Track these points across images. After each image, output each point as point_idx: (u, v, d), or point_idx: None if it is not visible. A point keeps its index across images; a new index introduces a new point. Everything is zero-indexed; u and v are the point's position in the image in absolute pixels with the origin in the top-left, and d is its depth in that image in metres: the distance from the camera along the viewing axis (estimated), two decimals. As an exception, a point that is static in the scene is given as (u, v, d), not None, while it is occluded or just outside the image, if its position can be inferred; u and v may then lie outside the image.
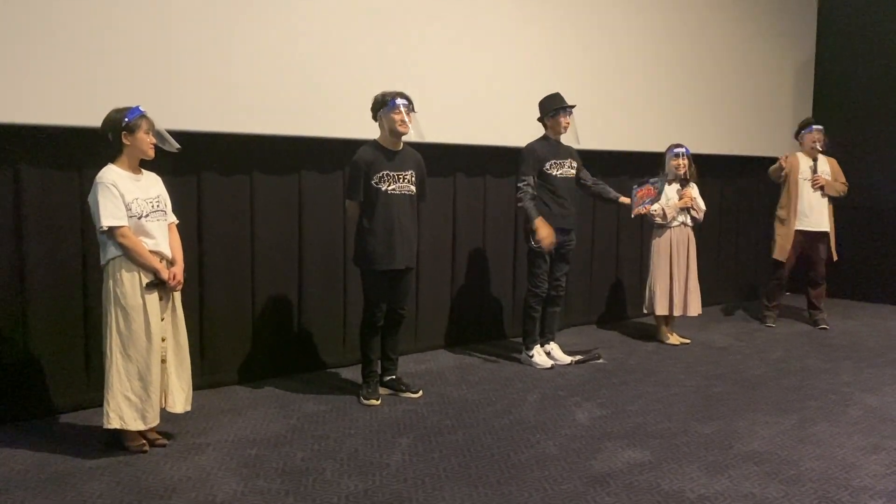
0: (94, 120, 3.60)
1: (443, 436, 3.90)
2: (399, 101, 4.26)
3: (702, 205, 5.88)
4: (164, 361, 3.63)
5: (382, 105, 4.29)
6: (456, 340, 5.83)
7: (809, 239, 6.55)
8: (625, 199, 5.46)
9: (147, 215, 3.55)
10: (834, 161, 6.68)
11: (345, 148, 4.69)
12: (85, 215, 3.89)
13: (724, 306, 7.62)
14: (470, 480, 3.35)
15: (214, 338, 4.66)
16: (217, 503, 3.11)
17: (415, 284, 5.36)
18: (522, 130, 5.32)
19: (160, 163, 3.74)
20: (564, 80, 5.71)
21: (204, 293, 4.61)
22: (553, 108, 5.09)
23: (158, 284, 3.56)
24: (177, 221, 3.81)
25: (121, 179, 3.50)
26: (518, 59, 5.75)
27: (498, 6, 5.62)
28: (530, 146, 5.15)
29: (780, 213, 6.62)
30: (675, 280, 5.86)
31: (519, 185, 5.07)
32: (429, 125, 4.46)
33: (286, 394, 4.58)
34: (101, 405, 3.55)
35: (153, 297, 3.55)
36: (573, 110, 5.14)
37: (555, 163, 5.12)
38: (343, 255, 5.13)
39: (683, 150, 5.81)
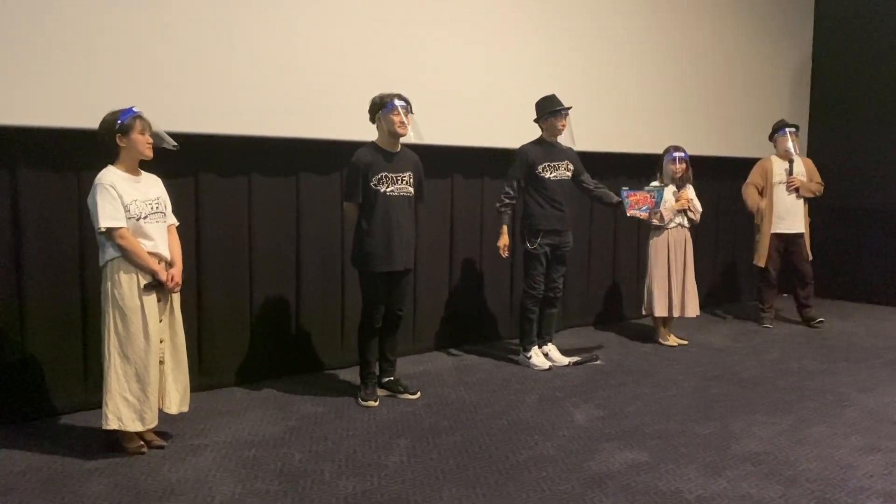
0: (92, 122, 3.60)
1: (441, 437, 3.90)
2: (397, 102, 4.26)
3: (698, 206, 5.90)
4: (161, 363, 3.63)
5: (381, 107, 4.29)
6: (454, 342, 5.83)
7: (787, 241, 6.59)
8: None
9: (146, 217, 3.55)
10: (809, 161, 6.76)
11: (343, 150, 4.69)
12: (83, 217, 3.89)
13: (722, 307, 7.63)
14: (468, 481, 3.35)
15: (212, 339, 4.66)
16: (215, 505, 3.11)
17: (413, 286, 5.37)
18: (520, 132, 5.32)
19: (158, 164, 3.74)
20: (561, 81, 5.73)
21: (202, 295, 4.61)
22: (548, 111, 5.10)
23: (156, 286, 3.56)
24: (177, 223, 3.82)
25: (119, 181, 3.50)
26: (515, 61, 5.76)
27: (495, 8, 5.63)
28: (522, 148, 5.17)
29: (756, 218, 6.69)
30: (672, 281, 5.87)
31: (504, 186, 5.14)
32: (427, 127, 4.48)
33: (284, 395, 4.58)
34: (100, 407, 3.55)
35: (151, 299, 3.55)
36: (569, 112, 5.15)
37: (548, 165, 5.12)
38: (341, 256, 5.14)
39: (682, 154, 5.82)
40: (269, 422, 4.11)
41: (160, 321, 3.60)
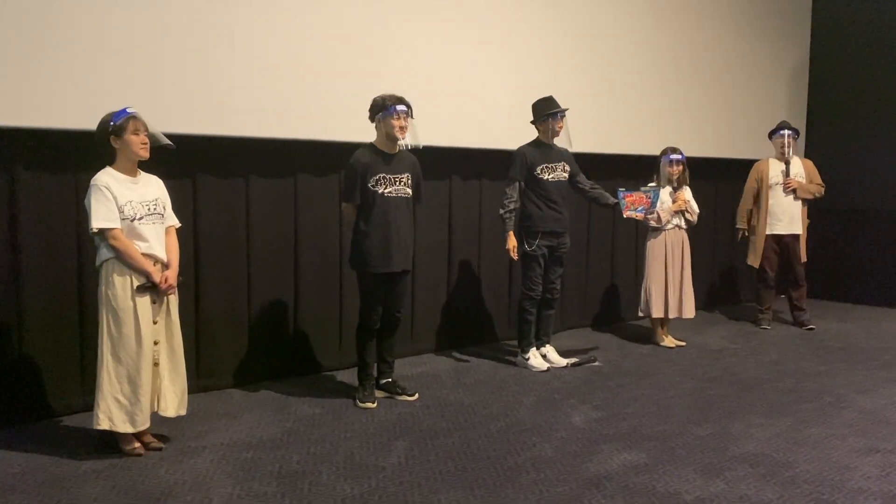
0: (90, 123, 3.60)
1: (439, 439, 3.90)
2: (399, 107, 4.25)
3: (695, 207, 5.91)
4: (156, 365, 3.62)
5: (382, 109, 4.28)
6: (452, 343, 5.83)
7: (783, 242, 6.59)
8: None
9: (141, 218, 3.54)
10: (810, 163, 6.74)
11: (341, 151, 4.69)
12: (81, 218, 3.89)
13: (720, 309, 7.64)
14: (466, 483, 3.35)
15: (210, 341, 4.65)
16: (213, 507, 3.11)
17: (411, 287, 5.37)
18: (518, 134, 5.33)
19: (156, 165, 3.73)
20: (559, 83, 5.73)
21: (199, 296, 4.60)
22: (545, 113, 5.10)
23: (150, 288, 3.55)
24: (178, 224, 3.81)
25: (115, 182, 3.50)
26: (514, 63, 5.77)
27: (493, 10, 5.64)
28: (521, 150, 5.17)
29: (752, 219, 6.72)
30: (670, 282, 5.87)
31: (506, 189, 5.13)
32: (425, 128, 4.47)
33: (282, 397, 4.58)
34: (97, 408, 3.55)
35: (144, 300, 3.54)
36: (566, 114, 5.16)
37: (546, 167, 5.13)
38: (339, 257, 5.13)
39: (679, 156, 5.83)
40: (267, 423, 4.10)
41: (154, 323, 3.59)
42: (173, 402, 3.71)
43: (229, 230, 4.70)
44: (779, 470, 3.53)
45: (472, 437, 3.93)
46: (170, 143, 3.67)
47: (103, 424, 3.50)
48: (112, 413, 3.51)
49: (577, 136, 5.30)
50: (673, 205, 5.82)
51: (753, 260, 6.69)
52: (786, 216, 6.55)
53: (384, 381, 4.62)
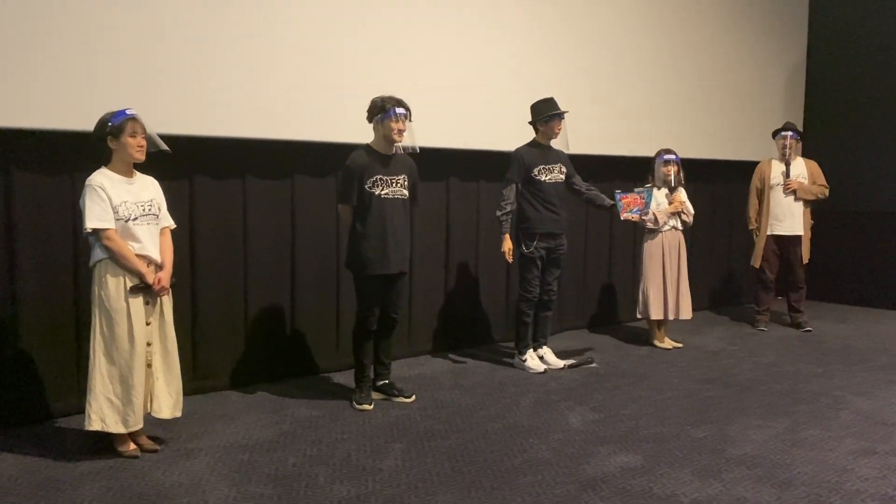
0: (86, 124, 3.59)
1: (436, 440, 3.89)
2: (398, 110, 4.24)
3: (691, 208, 5.91)
4: (150, 366, 3.61)
5: (381, 111, 4.27)
6: (449, 345, 5.82)
7: (784, 243, 6.60)
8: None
9: (135, 219, 3.53)
10: (813, 163, 6.70)
11: (337, 152, 4.68)
12: (77, 220, 3.88)
13: (718, 310, 7.64)
14: (463, 485, 3.34)
15: (206, 342, 4.64)
16: (209, 509, 3.10)
17: (408, 289, 5.36)
18: (516, 135, 5.33)
19: (152, 166, 3.72)
20: (557, 84, 5.72)
21: (196, 297, 4.59)
22: (548, 114, 5.10)
23: (143, 288, 3.54)
24: (173, 226, 3.80)
25: (110, 182, 3.49)
26: (511, 64, 5.76)
27: (492, 11, 5.64)
28: (518, 151, 5.17)
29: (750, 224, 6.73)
30: (667, 284, 5.87)
31: (503, 190, 5.13)
32: (423, 129, 4.46)
33: (278, 399, 4.57)
34: (93, 410, 3.54)
35: (138, 301, 3.53)
36: (564, 116, 5.16)
37: (543, 168, 5.13)
38: (336, 259, 5.13)
39: (673, 157, 5.83)
40: (264, 425, 4.09)
41: (147, 324, 3.58)
42: (168, 403, 3.70)
43: (226, 231, 4.69)
44: (776, 472, 3.53)
45: (470, 438, 3.92)
46: (167, 148, 3.66)
47: (95, 426, 3.49)
48: (104, 414, 3.50)
49: (575, 138, 5.30)
50: (669, 206, 5.82)
51: (755, 260, 6.70)
52: (787, 217, 6.55)
53: (381, 382, 4.62)
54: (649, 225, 5.80)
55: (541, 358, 5.36)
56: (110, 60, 4.01)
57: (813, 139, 8.18)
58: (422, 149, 4.50)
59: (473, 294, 5.99)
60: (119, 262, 3.47)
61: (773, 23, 7.92)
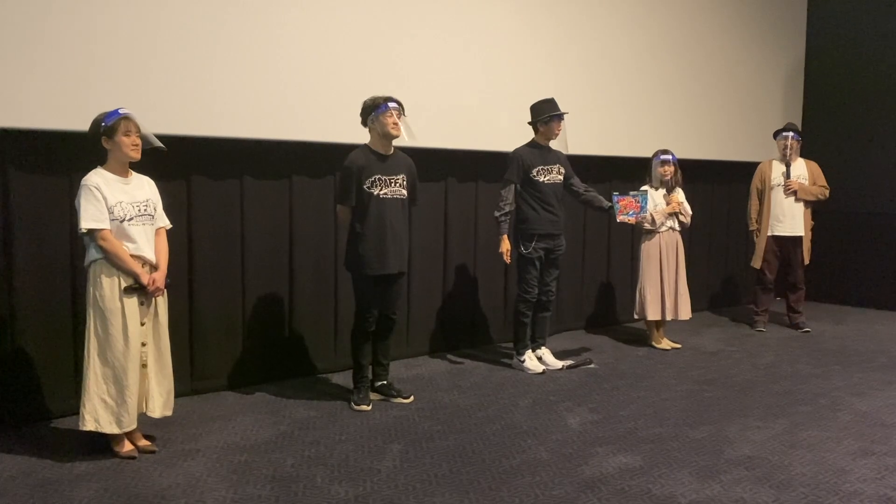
0: (83, 124, 3.58)
1: (434, 441, 3.89)
2: (390, 104, 4.26)
3: (688, 209, 5.91)
4: (144, 366, 3.61)
5: (373, 109, 4.28)
6: (447, 345, 5.82)
7: (784, 244, 6.60)
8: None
9: (130, 219, 3.53)
10: (814, 164, 6.70)
11: (336, 152, 4.68)
12: (73, 219, 3.86)
13: (717, 311, 7.64)
14: (461, 486, 3.34)
15: (204, 343, 4.63)
16: (206, 510, 3.09)
17: (406, 289, 5.36)
18: (514, 135, 5.32)
19: (150, 166, 3.72)
20: (556, 85, 5.73)
21: (193, 298, 4.58)
22: (548, 115, 5.10)
23: (138, 289, 3.54)
24: (168, 226, 3.79)
25: (105, 182, 3.48)
26: (510, 65, 5.76)
27: (490, 12, 5.63)
28: (517, 152, 5.16)
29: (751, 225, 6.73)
30: (665, 284, 5.87)
31: (501, 191, 5.13)
32: (421, 130, 4.46)
33: (276, 399, 4.56)
34: (90, 410, 3.53)
35: (132, 302, 3.52)
36: (564, 118, 5.15)
37: (542, 169, 5.13)
38: (334, 259, 5.12)
39: (670, 157, 5.83)
40: (262, 426, 4.08)
41: (142, 325, 3.57)
42: (159, 402, 3.70)
43: (223, 232, 4.69)
44: (774, 473, 3.53)
45: (468, 439, 3.92)
46: (161, 145, 3.66)
47: (89, 426, 3.49)
48: (98, 414, 3.49)
49: (574, 139, 5.30)
50: (666, 207, 5.82)
51: (755, 261, 6.70)
52: (787, 218, 6.54)
53: (379, 383, 4.61)
54: (647, 225, 5.80)
55: (539, 359, 5.35)
56: (108, 61, 4.00)
57: (812, 140, 8.18)
58: (421, 149, 4.50)
59: (472, 295, 5.98)
60: (114, 262, 3.47)
61: (772, 23, 7.93)
